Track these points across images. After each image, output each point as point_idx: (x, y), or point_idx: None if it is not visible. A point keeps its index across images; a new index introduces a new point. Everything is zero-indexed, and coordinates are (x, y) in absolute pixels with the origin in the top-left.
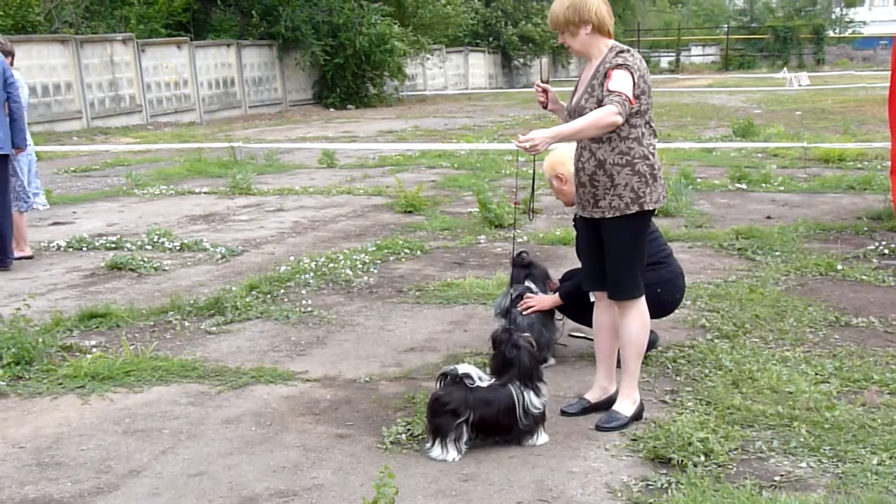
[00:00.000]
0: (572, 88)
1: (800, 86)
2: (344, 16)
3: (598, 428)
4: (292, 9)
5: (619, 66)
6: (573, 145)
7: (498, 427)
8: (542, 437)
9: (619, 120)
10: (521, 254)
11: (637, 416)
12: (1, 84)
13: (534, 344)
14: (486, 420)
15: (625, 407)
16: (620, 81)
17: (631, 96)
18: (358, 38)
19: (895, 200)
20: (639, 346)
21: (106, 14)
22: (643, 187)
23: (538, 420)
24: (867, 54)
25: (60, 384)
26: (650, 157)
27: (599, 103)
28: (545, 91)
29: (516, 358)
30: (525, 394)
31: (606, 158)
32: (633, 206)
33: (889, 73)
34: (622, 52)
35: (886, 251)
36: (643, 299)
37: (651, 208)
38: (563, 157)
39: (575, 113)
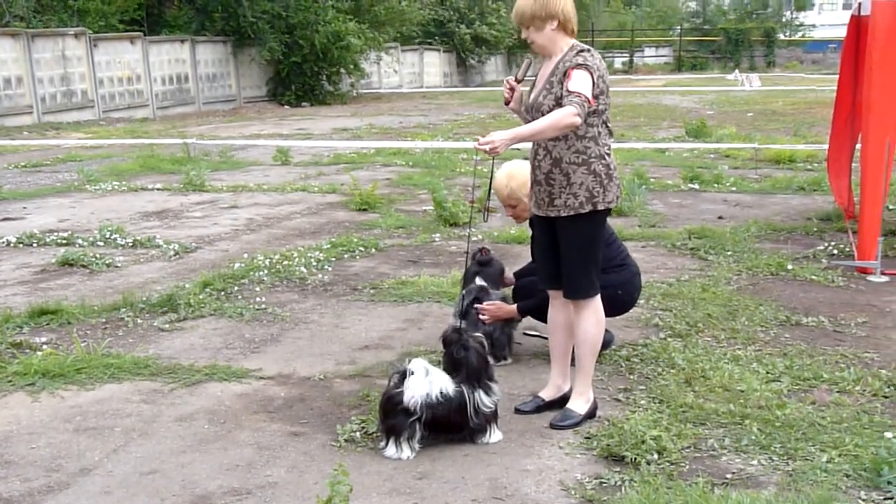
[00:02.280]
0: (529, 87)
1: (751, 87)
2: (300, 13)
3: (553, 426)
4: (250, 3)
5: (578, 65)
6: (528, 169)
7: (450, 425)
8: (495, 435)
9: (578, 121)
10: (483, 249)
11: (591, 415)
12: None
13: (484, 344)
14: (438, 418)
15: (579, 405)
16: (580, 81)
17: (590, 97)
18: (315, 35)
19: (836, 198)
20: (594, 344)
21: (58, 8)
22: (597, 187)
23: (489, 418)
24: (817, 57)
25: (10, 382)
26: (606, 156)
27: (558, 101)
28: (512, 89)
29: (464, 359)
30: (475, 393)
31: (563, 157)
32: (587, 205)
33: (838, 76)
34: (582, 51)
35: (835, 251)
36: (598, 298)
37: (605, 208)
38: (520, 188)
39: (532, 109)
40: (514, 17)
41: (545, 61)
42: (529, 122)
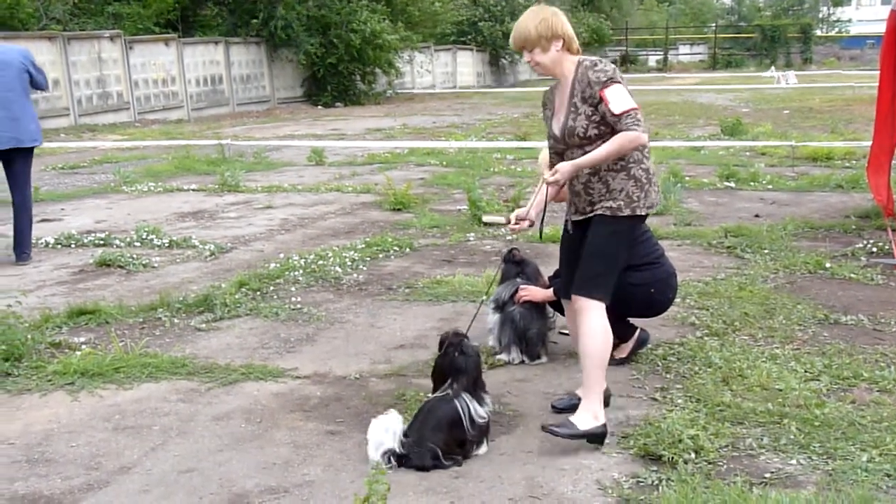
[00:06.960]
0: (549, 114)
1: (787, 84)
2: (335, 12)
3: (544, 428)
4: (285, 7)
5: (605, 83)
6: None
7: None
8: (482, 448)
9: (645, 138)
10: (513, 250)
11: (594, 436)
12: (28, 74)
13: (479, 353)
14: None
15: (583, 420)
16: (620, 98)
17: (635, 105)
18: (350, 34)
19: (875, 195)
20: (599, 357)
21: (95, 11)
22: (638, 192)
23: (484, 431)
24: (854, 53)
25: (50, 381)
26: (645, 160)
27: (590, 119)
28: (526, 219)
29: (463, 364)
30: (470, 404)
31: (601, 166)
32: (625, 209)
33: (877, 72)
34: (596, 64)
35: (874, 249)
36: (603, 308)
37: (643, 213)
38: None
39: (566, 135)
40: (517, 40)
41: (557, 87)
42: (564, 147)
